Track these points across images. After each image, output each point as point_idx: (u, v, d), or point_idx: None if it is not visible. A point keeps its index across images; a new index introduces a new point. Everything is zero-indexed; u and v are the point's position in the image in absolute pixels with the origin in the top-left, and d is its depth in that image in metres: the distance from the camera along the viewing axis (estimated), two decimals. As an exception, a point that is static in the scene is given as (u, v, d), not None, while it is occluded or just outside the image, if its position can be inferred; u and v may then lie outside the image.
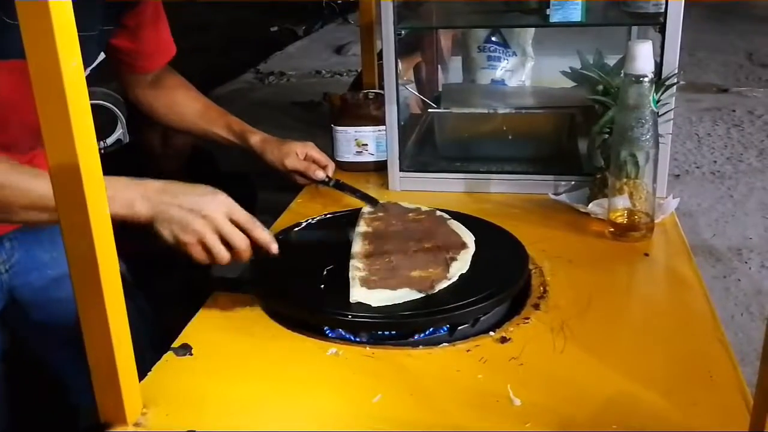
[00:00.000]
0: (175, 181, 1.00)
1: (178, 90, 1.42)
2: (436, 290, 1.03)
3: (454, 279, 1.05)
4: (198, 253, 0.97)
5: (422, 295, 1.02)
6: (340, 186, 1.43)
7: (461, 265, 1.09)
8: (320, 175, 1.41)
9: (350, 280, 1.05)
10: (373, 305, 1.00)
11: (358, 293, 1.02)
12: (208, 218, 0.96)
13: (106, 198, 0.89)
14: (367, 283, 1.04)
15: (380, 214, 1.27)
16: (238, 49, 6.32)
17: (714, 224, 3.09)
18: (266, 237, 1.01)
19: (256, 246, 1.01)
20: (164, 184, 0.98)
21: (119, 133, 3.41)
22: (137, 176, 1.00)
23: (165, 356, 0.97)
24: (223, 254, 0.98)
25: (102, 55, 1.24)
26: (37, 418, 1.38)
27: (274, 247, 1.02)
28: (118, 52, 1.29)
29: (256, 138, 1.40)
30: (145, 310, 1.38)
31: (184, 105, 1.42)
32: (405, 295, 1.02)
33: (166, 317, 1.29)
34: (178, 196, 0.97)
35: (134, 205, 0.95)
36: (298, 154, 1.40)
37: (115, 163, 1.09)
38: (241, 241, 0.98)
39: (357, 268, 1.08)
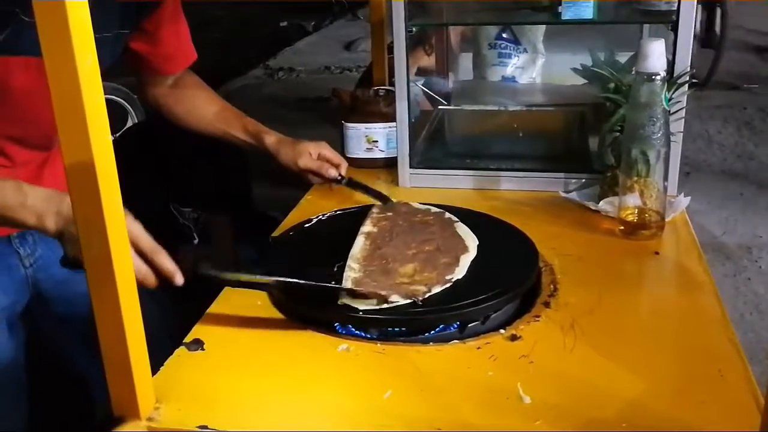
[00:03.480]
0: None
1: (197, 93, 1.43)
2: (427, 296, 1.02)
3: (448, 285, 1.05)
4: None
5: (410, 301, 1.01)
6: (352, 184, 1.44)
7: (457, 270, 1.08)
8: (333, 173, 1.42)
9: (343, 281, 1.05)
10: (360, 308, 1.00)
11: (346, 296, 1.02)
12: None
13: (18, 204, 0.94)
14: (358, 284, 1.04)
15: (388, 214, 1.27)
16: (248, 44, 6.33)
17: (724, 222, 3.08)
18: (170, 267, 0.96)
19: (161, 275, 0.97)
20: None
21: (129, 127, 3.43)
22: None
23: (177, 351, 0.97)
24: None
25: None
26: (56, 412, 1.39)
27: (179, 278, 0.97)
28: (138, 56, 1.30)
29: (271, 139, 1.41)
30: (164, 302, 1.39)
31: (203, 108, 1.43)
32: (392, 300, 1.01)
33: (171, 313, 1.30)
34: None
35: (44, 219, 0.95)
36: (311, 154, 1.41)
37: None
38: (140, 270, 0.94)
39: (352, 269, 1.08)
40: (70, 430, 1.49)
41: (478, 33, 1.79)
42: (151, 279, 0.96)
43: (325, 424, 0.85)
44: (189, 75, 1.43)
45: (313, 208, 1.39)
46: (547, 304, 1.06)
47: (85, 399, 1.36)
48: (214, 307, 1.08)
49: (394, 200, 1.36)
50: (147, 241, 0.96)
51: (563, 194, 1.40)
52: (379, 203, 1.36)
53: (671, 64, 1.29)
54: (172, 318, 1.33)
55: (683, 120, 1.31)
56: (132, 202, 0.96)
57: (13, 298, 1.22)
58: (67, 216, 0.93)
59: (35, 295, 1.26)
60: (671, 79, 1.27)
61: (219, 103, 1.45)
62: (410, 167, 1.50)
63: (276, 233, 1.29)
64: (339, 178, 1.43)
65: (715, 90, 4.66)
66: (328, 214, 1.32)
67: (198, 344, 0.99)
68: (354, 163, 1.60)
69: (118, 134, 2.72)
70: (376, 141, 1.59)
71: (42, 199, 0.96)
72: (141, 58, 1.31)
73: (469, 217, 1.25)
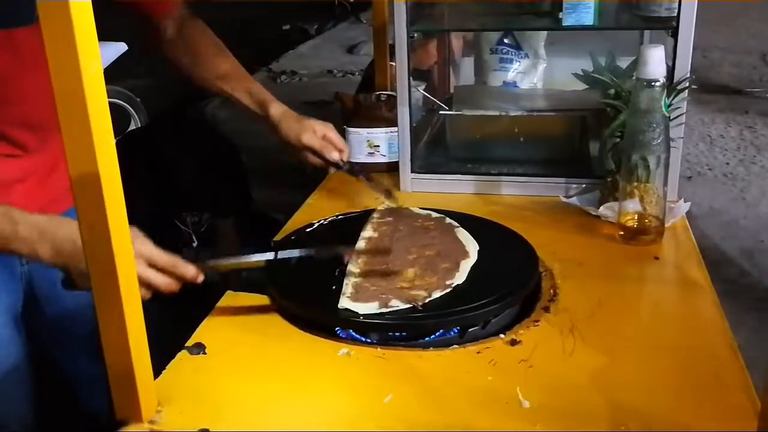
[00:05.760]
0: None
1: (202, 45, 1.37)
2: (427, 301, 1.02)
3: (448, 290, 1.05)
4: None
5: (410, 305, 1.02)
6: (354, 172, 1.39)
7: (457, 275, 1.09)
8: (335, 156, 1.36)
9: (343, 286, 1.06)
10: (361, 313, 1.01)
11: (346, 300, 1.03)
12: None
13: (11, 234, 0.93)
14: (359, 289, 1.05)
15: (389, 219, 1.27)
16: (251, 47, 6.34)
17: (726, 227, 3.08)
18: (190, 272, 0.99)
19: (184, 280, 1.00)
20: (76, 233, 0.82)
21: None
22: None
23: (179, 355, 0.98)
24: (147, 297, 0.96)
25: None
26: (58, 422, 1.38)
27: (201, 277, 1.01)
28: (130, 3, 1.27)
29: (277, 109, 1.36)
30: (151, 310, 1.39)
31: (208, 62, 1.37)
32: (393, 305, 1.02)
33: (173, 316, 1.30)
34: None
35: (38, 251, 0.95)
36: (315, 132, 1.35)
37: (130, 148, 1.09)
38: (164, 284, 0.98)
39: (353, 273, 1.09)
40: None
41: (480, 38, 1.80)
42: (175, 287, 0.99)
43: (325, 428, 0.86)
44: (196, 25, 1.38)
45: (314, 212, 1.40)
46: (546, 309, 1.06)
47: (86, 408, 1.36)
48: (216, 312, 1.09)
49: (396, 200, 1.37)
50: (162, 257, 0.98)
51: (564, 199, 1.40)
52: (380, 196, 1.35)
53: (671, 70, 1.29)
54: (160, 326, 1.33)
55: (683, 126, 1.32)
56: (132, 205, 0.97)
57: (15, 295, 1.23)
58: (66, 252, 0.93)
59: (29, 293, 1.26)
60: (671, 85, 1.27)
61: (228, 61, 1.38)
62: (412, 172, 1.51)
63: (278, 237, 1.30)
64: (340, 163, 1.37)
65: (717, 94, 4.66)
66: (329, 219, 1.33)
67: (200, 348, 0.99)
68: (356, 167, 1.60)
69: (119, 137, 2.73)
70: (378, 146, 1.60)
71: (34, 228, 0.95)
72: (133, 5, 1.27)
73: (469, 221, 1.26)
